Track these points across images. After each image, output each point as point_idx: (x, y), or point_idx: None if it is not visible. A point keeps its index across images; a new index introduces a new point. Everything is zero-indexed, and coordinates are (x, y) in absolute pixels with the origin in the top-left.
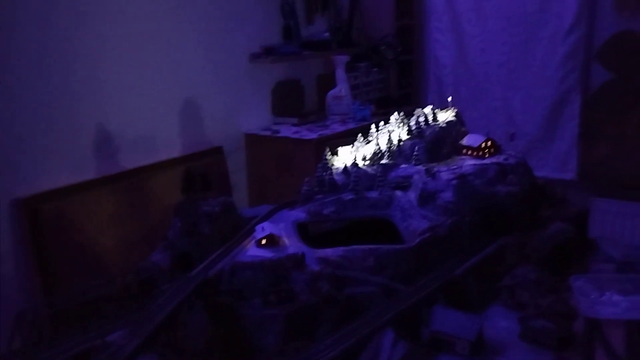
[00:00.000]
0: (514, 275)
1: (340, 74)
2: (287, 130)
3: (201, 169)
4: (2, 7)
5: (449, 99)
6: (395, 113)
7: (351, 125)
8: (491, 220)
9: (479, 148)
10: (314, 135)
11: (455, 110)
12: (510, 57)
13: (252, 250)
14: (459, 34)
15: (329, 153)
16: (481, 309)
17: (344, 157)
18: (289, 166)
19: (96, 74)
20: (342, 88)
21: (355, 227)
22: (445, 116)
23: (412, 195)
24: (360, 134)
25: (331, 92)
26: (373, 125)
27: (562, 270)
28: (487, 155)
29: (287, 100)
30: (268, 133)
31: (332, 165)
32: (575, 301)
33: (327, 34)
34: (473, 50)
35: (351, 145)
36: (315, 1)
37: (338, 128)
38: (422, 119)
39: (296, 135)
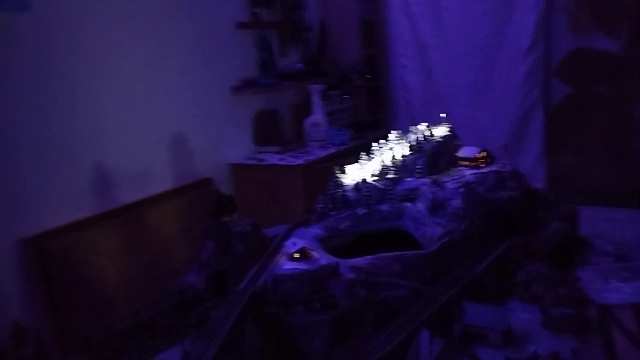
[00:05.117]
0: (527, 271)
1: (317, 102)
2: (272, 158)
3: (227, 193)
4: (1, 49)
5: (443, 115)
6: (394, 132)
7: (332, 150)
8: (496, 223)
9: (475, 159)
10: (299, 161)
11: (449, 125)
12: (475, 79)
13: (287, 264)
14: (424, 60)
15: (338, 171)
16: (500, 303)
17: (353, 174)
18: (277, 192)
19: (92, 112)
20: (318, 115)
21: (364, 240)
22: (441, 131)
23: (421, 205)
24: (363, 153)
25: (309, 120)
26: (375, 143)
27: (565, 264)
28: (482, 165)
29: (267, 129)
30: (253, 162)
31: (342, 183)
32: (585, 290)
33: (300, 65)
34: (439, 74)
35: (357, 163)
36: (288, 35)
37: (320, 153)
38: (420, 135)
39: (282, 162)
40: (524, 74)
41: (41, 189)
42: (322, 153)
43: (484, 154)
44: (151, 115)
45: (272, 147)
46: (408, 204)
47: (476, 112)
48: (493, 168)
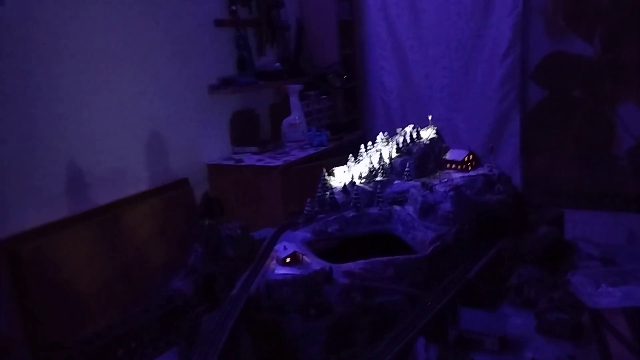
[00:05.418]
0: (519, 274)
1: (295, 102)
2: (250, 159)
3: (216, 195)
4: None
5: (430, 117)
6: (380, 134)
7: (311, 151)
8: (486, 226)
9: (462, 161)
10: (278, 162)
11: (435, 128)
12: (452, 81)
13: (279, 269)
14: (402, 61)
15: (326, 174)
16: (495, 307)
17: (340, 176)
18: (256, 193)
19: (66, 111)
20: (297, 116)
21: (349, 243)
22: (427, 134)
23: (411, 208)
24: (350, 154)
25: (286, 120)
26: (362, 145)
27: (554, 268)
28: (470, 168)
29: (245, 129)
30: (231, 162)
31: (330, 185)
32: (576, 294)
33: (277, 64)
34: (417, 76)
35: (345, 165)
36: (266, 33)
37: (299, 154)
38: (407, 137)
39: (260, 163)
40: (501, 77)
41: (13, 190)
42: (301, 154)
43: (471, 156)
44: (127, 114)
45: (250, 147)
46: (397, 207)
47: (453, 113)
48: (481, 171)
